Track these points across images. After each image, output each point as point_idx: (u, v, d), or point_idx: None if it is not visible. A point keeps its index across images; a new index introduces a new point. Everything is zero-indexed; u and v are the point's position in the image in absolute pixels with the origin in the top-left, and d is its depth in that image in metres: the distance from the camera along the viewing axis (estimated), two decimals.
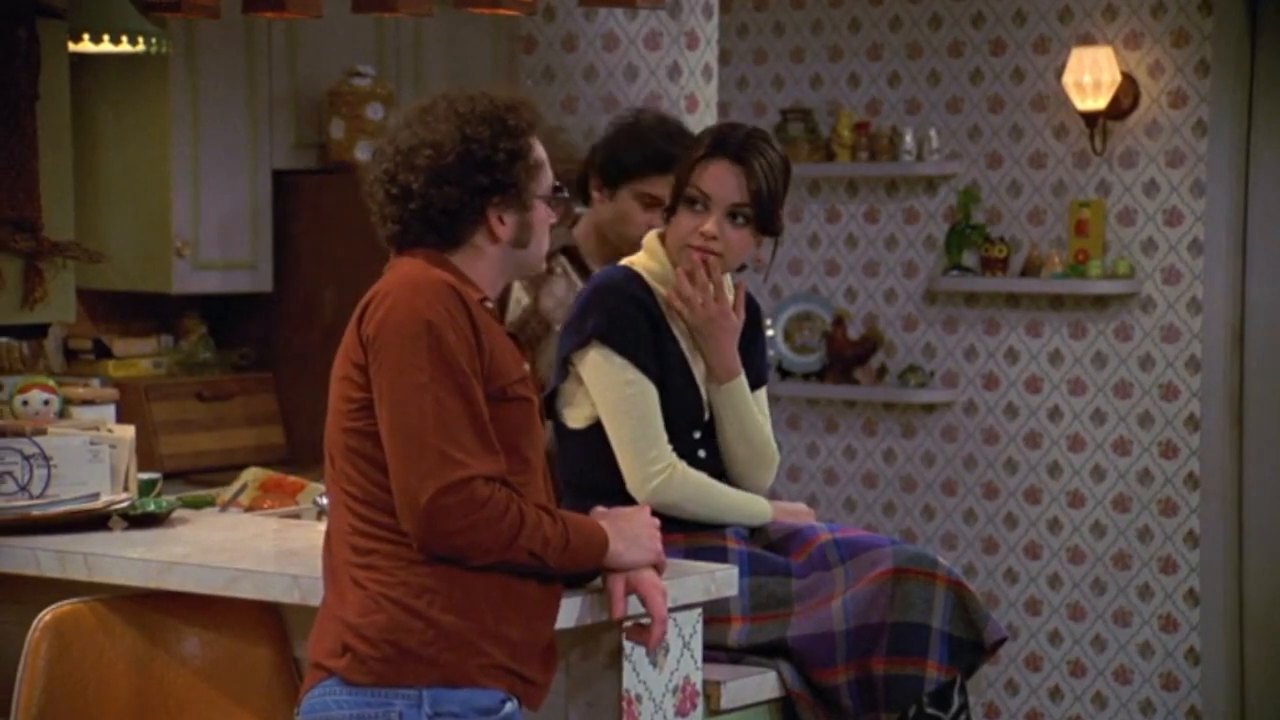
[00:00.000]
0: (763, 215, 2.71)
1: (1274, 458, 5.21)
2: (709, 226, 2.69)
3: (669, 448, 2.69)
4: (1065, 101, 5.28)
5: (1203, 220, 5.23)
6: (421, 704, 2.24)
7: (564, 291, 3.21)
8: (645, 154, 3.12)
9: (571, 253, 3.25)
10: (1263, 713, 5.25)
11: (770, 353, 5.76)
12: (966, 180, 5.54)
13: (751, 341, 2.82)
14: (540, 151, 2.40)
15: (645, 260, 2.77)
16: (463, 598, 2.26)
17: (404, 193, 2.34)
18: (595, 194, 3.22)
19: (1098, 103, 5.22)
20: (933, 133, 5.51)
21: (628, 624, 2.44)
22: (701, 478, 2.73)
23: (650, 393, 2.67)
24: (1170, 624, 5.31)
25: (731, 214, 2.71)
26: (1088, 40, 5.30)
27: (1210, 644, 5.24)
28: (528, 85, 5.03)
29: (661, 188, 3.00)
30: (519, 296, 3.22)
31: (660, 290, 2.73)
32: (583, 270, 3.24)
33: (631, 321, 2.67)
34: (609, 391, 2.67)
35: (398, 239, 2.38)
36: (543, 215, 2.40)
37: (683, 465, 2.70)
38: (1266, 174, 5.20)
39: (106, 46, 4.02)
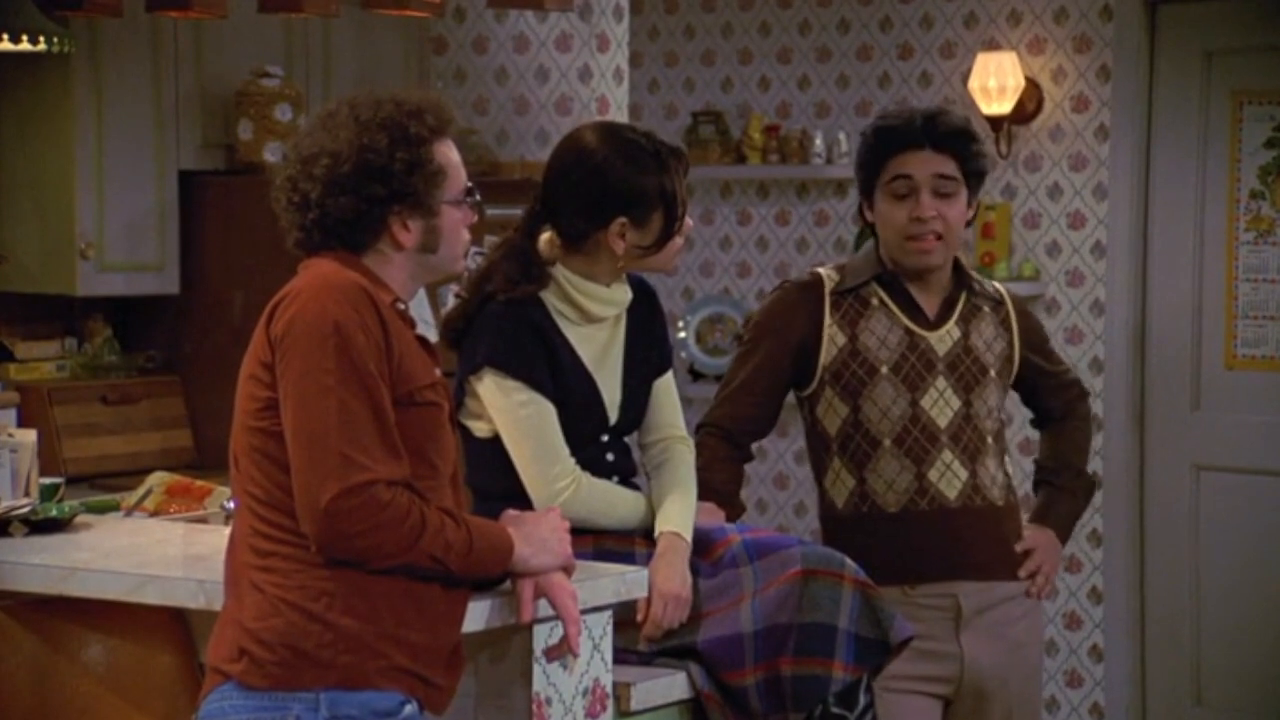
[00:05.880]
0: None
1: (1173, 457, 5.30)
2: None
3: (572, 462, 2.68)
4: (971, 105, 5.34)
5: (1105, 223, 5.31)
6: (319, 707, 2.23)
7: (885, 329, 2.98)
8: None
9: (889, 280, 2.99)
10: (1164, 709, 5.34)
11: (683, 354, 5.79)
12: None
13: (650, 327, 2.80)
14: (446, 156, 2.37)
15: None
16: (362, 601, 2.25)
17: (304, 201, 2.33)
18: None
19: (1002, 107, 5.28)
20: (842, 136, 5.55)
21: (550, 643, 2.45)
22: (607, 488, 2.72)
23: (546, 411, 2.66)
24: (1074, 622, 5.38)
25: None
26: (992, 45, 5.37)
27: (1113, 641, 5.32)
28: (439, 86, 5.01)
29: (905, 167, 2.96)
30: (833, 335, 2.97)
31: (555, 304, 2.71)
32: (904, 299, 2.99)
33: (520, 344, 2.65)
34: (505, 415, 2.66)
35: (303, 245, 2.37)
36: (454, 219, 2.38)
37: (587, 478, 2.69)
38: (1165, 177, 5.29)
39: (7, 45, 3.95)
